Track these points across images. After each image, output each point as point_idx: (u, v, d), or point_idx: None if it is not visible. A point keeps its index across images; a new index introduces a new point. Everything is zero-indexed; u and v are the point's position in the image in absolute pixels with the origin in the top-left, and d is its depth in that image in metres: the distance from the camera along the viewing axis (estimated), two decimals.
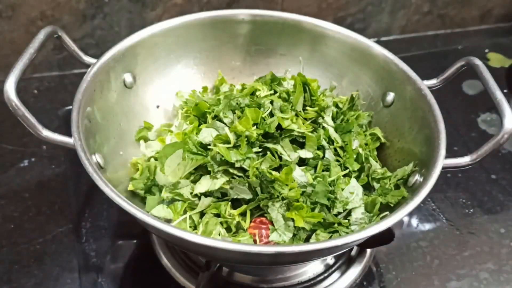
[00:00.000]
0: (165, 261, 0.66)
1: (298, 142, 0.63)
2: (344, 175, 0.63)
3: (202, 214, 0.60)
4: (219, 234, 0.59)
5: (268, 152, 0.61)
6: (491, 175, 0.82)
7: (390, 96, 0.70)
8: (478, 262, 0.70)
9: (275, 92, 0.70)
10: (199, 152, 0.61)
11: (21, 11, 0.85)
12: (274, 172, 0.58)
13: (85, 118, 0.59)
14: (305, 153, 0.62)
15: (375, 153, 0.68)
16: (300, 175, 0.60)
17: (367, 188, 0.64)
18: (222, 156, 0.58)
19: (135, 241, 0.70)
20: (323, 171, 0.62)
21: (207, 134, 0.62)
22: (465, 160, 0.57)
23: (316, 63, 0.76)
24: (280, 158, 0.61)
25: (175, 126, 0.70)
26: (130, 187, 0.63)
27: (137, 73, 0.70)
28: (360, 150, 0.65)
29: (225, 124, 0.63)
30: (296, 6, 0.98)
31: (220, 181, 0.59)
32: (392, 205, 0.60)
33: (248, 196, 0.59)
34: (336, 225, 0.58)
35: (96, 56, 0.66)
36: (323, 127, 0.66)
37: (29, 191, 0.74)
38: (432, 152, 0.58)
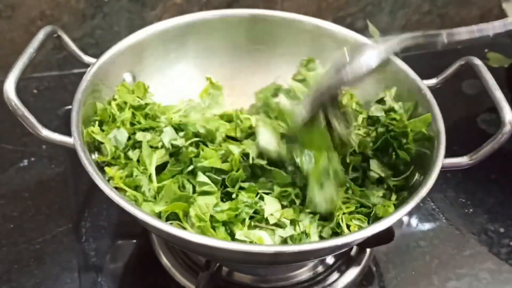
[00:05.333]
0: (165, 260, 0.66)
1: None
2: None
3: None
4: None
5: None
6: (491, 175, 0.82)
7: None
8: (477, 262, 0.70)
9: None
10: None
11: (21, 11, 0.85)
12: None
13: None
14: None
15: None
16: None
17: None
18: None
19: (135, 241, 0.70)
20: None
21: None
22: (464, 159, 0.57)
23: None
24: None
25: None
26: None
27: (136, 73, 0.70)
28: None
29: None
30: (296, 6, 0.98)
31: None
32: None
33: None
34: None
35: (96, 56, 0.66)
36: None
37: (29, 191, 0.74)
38: (432, 151, 0.58)
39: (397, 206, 0.58)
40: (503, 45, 1.07)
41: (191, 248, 0.56)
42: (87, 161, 0.52)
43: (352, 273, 0.67)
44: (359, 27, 1.05)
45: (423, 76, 0.67)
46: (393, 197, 0.60)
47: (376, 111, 0.67)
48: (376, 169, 0.63)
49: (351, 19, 1.04)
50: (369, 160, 0.64)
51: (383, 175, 0.63)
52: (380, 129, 0.65)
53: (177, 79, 0.75)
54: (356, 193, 0.60)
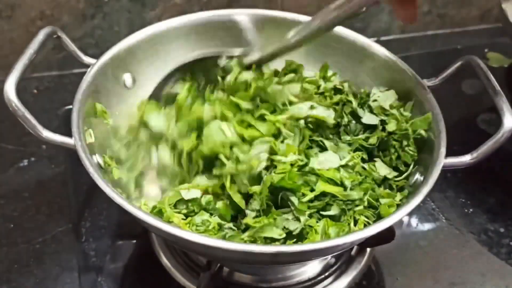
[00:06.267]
0: (165, 261, 0.66)
1: None
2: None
3: None
4: None
5: None
6: (491, 175, 0.82)
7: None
8: (477, 262, 0.70)
9: None
10: None
11: (21, 11, 0.85)
12: None
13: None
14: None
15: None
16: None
17: None
18: None
19: (135, 241, 0.70)
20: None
21: None
22: (465, 159, 0.57)
23: (315, 62, 0.76)
24: None
25: None
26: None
27: (137, 73, 0.70)
28: None
29: None
30: (296, 6, 0.97)
31: None
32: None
33: None
34: None
35: (96, 56, 0.66)
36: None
37: (28, 191, 0.74)
38: (432, 151, 0.58)
39: (398, 206, 0.58)
40: (503, 45, 1.07)
41: (191, 248, 0.56)
42: (88, 162, 0.52)
43: (353, 272, 0.67)
44: (359, 27, 1.05)
45: (423, 76, 0.67)
46: (398, 197, 0.60)
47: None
48: (382, 170, 0.62)
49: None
50: (374, 161, 0.64)
51: (390, 176, 0.63)
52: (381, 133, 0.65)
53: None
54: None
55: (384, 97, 0.67)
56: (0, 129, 0.83)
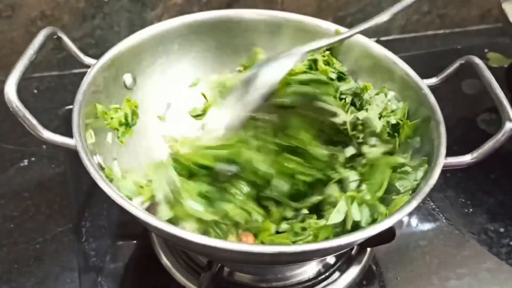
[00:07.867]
0: (165, 261, 0.66)
1: None
2: None
3: None
4: None
5: None
6: (491, 175, 0.82)
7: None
8: (477, 262, 0.70)
9: None
10: None
11: (21, 11, 0.85)
12: None
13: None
14: None
15: None
16: None
17: None
18: None
19: (135, 241, 0.70)
20: None
21: None
22: (465, 159, 0.57)
23: None
24: None
25: None
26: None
27: (137, 73, 0.70)
28: None
29: None
30: (296, 6, 0.98)
31: None
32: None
33: None
34: None
35: (96, 56, 0.66)
36: None
37: (29, 191, 0.74)
38: (433, 151, 0.58)
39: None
40: (503, 45, 1.07)
41: (191, 248, 0.56)
42: (89, 163, 0.53)
43: (353, 272, 0.67)
44: None
45: (423, 76, 0.67)
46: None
47: None
48: None
49: (351, 19, 1.04)
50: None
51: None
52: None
53: (177, 80, 0.75)
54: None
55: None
56: (0, 129, 0.83)
